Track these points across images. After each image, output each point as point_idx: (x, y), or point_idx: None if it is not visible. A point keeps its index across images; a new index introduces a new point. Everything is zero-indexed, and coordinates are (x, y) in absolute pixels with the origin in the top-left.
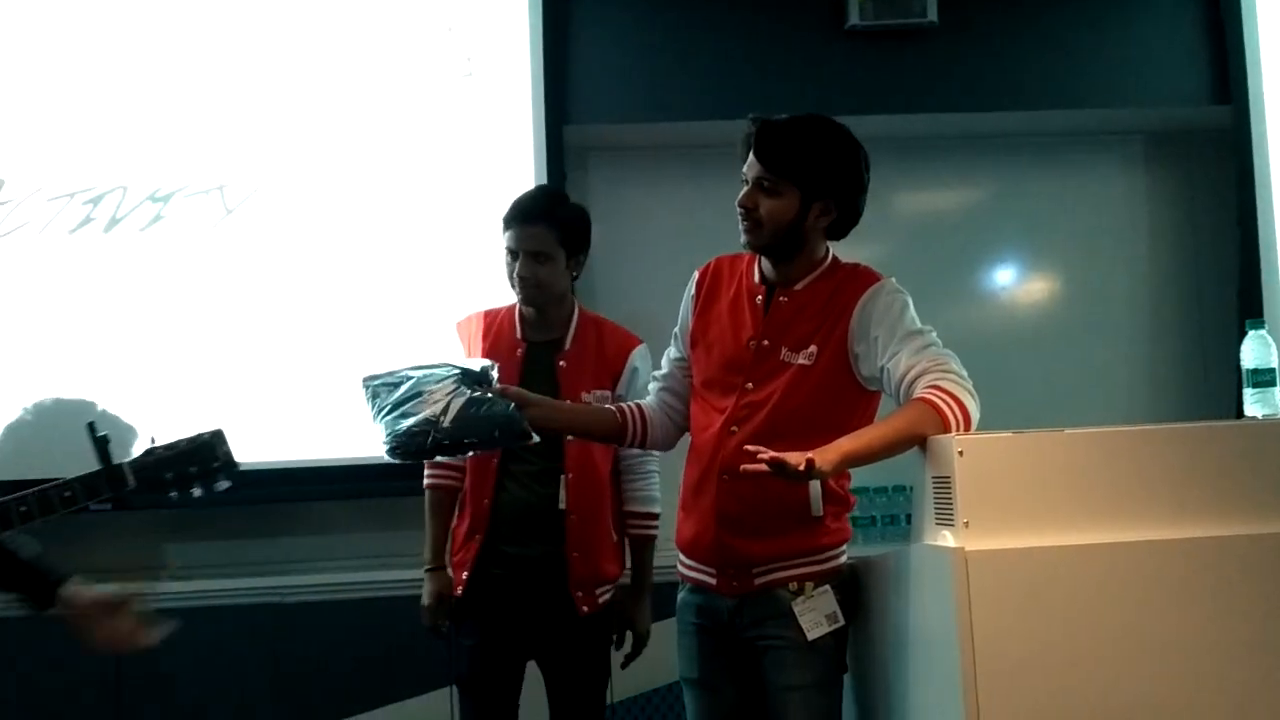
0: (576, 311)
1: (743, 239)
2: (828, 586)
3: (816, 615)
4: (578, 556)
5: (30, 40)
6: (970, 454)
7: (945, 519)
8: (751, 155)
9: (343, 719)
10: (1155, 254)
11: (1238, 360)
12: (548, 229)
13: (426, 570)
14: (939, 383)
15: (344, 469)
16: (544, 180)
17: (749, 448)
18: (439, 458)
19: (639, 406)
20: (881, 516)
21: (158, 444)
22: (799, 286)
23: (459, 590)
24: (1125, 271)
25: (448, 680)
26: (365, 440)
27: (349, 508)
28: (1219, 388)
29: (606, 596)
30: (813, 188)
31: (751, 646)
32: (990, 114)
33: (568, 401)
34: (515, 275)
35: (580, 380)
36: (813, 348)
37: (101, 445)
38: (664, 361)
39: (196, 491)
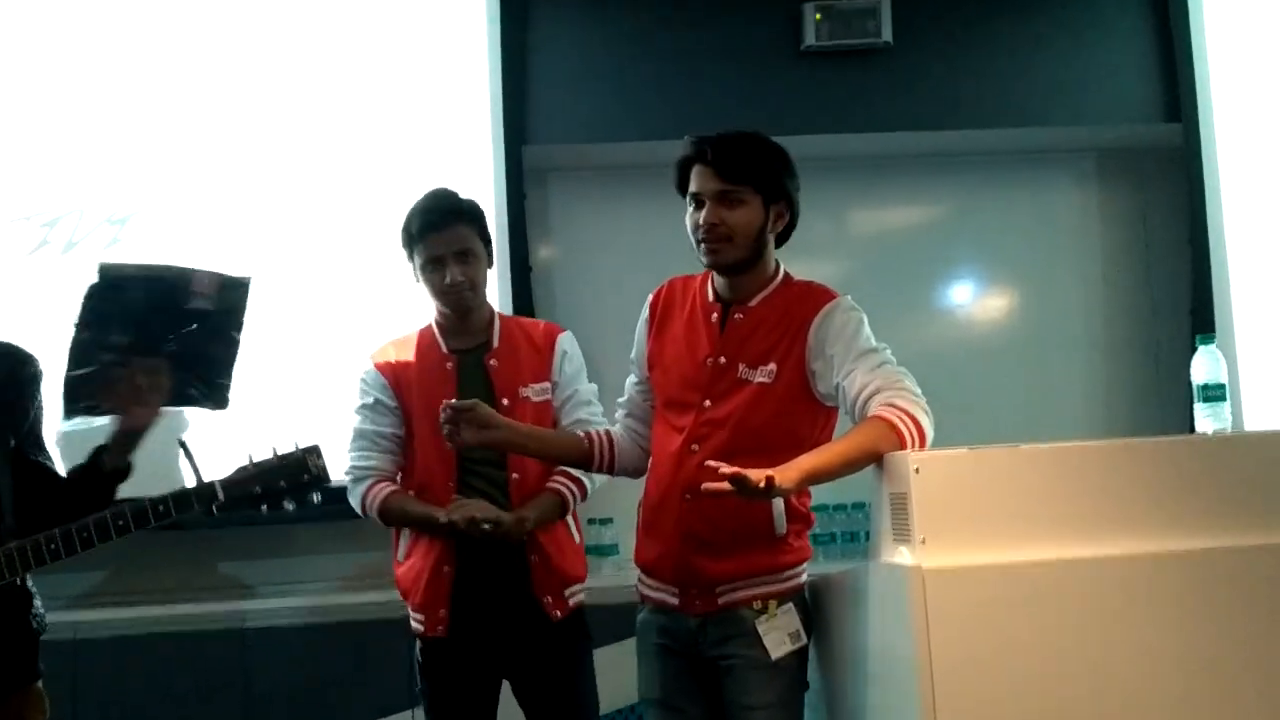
0: (495, 314)
1: (706, 260)
2: (790, 605)
3: (780, 634)
4: (538, 560)
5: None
6: (926, 471)
7: (902, 536)
8: (705, 171)
9: None
10: (1108, 270)
11: (1189, 375)
12: (468, 227)
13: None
14: (894, 400)
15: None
16: (504, 200)
17: (710, 463)
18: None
19: (606, 432)
20: (841, 534)
21: (251, 460)
22: (753, 303)
23: (440, 629)
24: (1079, 288)
25: (410, 703)
26: (328, 462)
27: (312, 530)
28: (1171, 403)
29: (578, 598)
30: (770, 191)
31: (715, 666)
32: (944, 132)
33: (528, 424)
34: (446, 283)
35: (516, 376)
36: (771, 365)
37: (192, 460)
38: (626, 388)
39: (288, 505)
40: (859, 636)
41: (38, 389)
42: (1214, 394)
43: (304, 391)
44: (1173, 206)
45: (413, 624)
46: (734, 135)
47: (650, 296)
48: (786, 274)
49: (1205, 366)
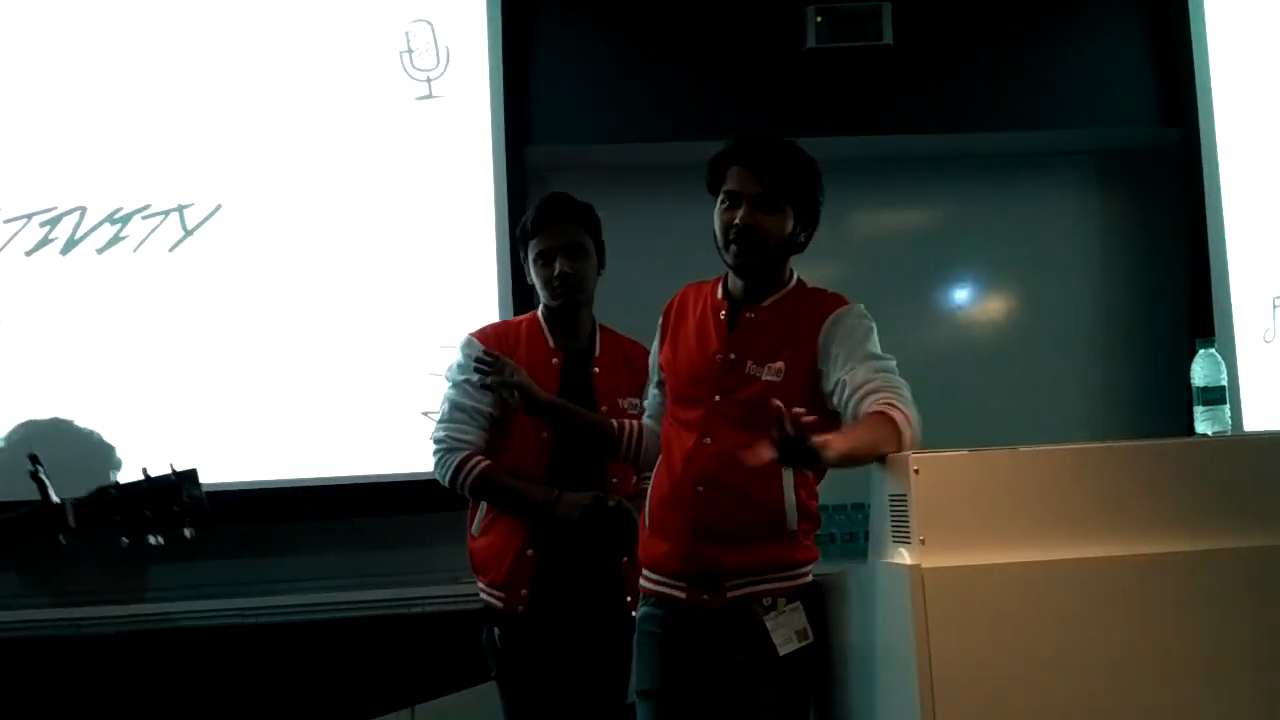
0: (597, 323)
1: (732, 259)
2: (798, 603)
3: (787, 631)
4: (628, 562)
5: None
6: (926, 472)
7: (902, 536)
8: (745, 173)
9: None
10: (1108, 273)
11: (1189, 378)
12: (580, 225)
13: (552, 501)
14: (895, 401)
15: (312, 489)
16: (505, 201)
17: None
18: None
19: (638, 424)
20: (840, 534)
21: (128, 481)
22: (766, 304)
23: (519, 607)
24: (1078, 290)
25: (410, 700)
26: (333, 460)
27: (317, 529)
28: (1170, 405)
29: None
30: (805, 206)
31: (720, 661)
32: (945, 135)
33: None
34: (555, 275)
35: (616, 388)
36: (780, 363)
37: (40, 482)
38: (649, 392)
39: (153, 540)
40: (858, 636)
41: None
42: (1213, 396)
43: (303, 394)
44: (1172, 210)
45: (487, 599)
46: (778, 142)
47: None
48: (800, 280)
49: (1205, 369)
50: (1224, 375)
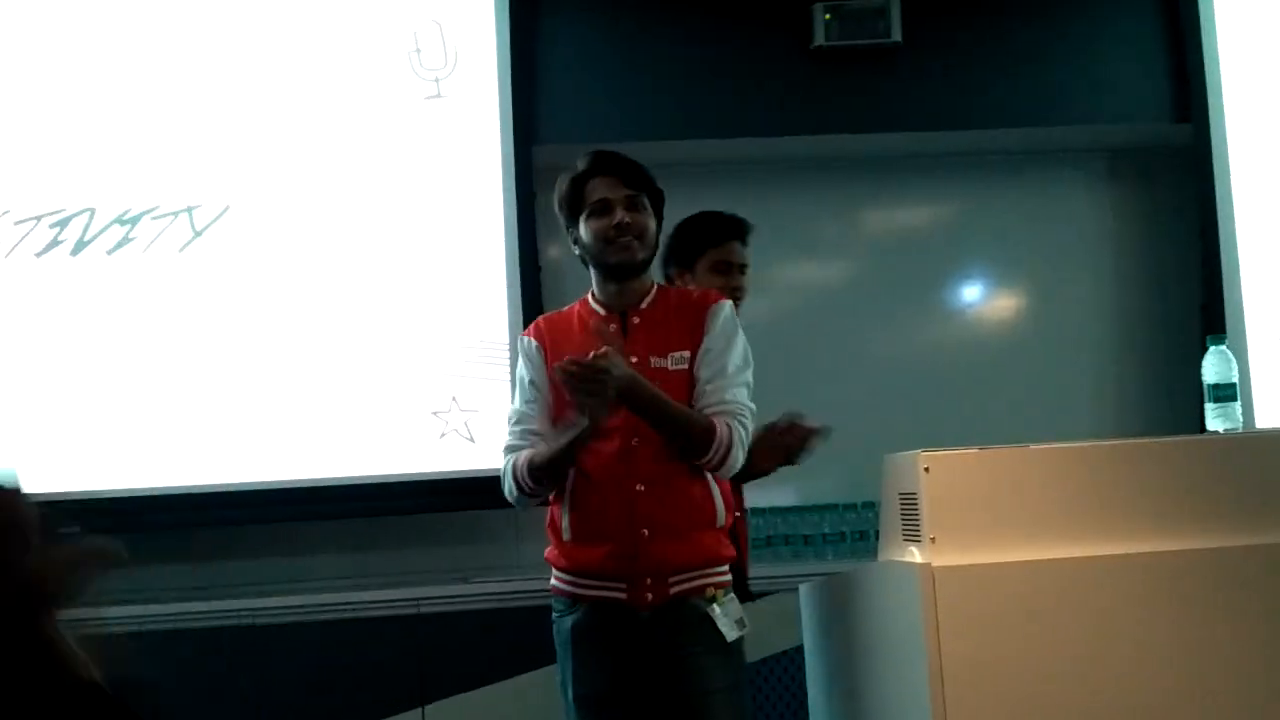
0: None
1: (616, 259)
2: (733, 595)
3: (729, 620)
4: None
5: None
6: (936, 470)
7: (912, 535)
8: (608, 180)
9: None
10: (1119, 270)
11: (1200, 375)
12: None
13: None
14: (731, 423)
15: (319, 489)
16: (513, 200)
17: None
18: None
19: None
20: (850, 532)
21: None
22: (644, 306)
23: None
24: (1089, 287)
25: (420, 700)
26: (341, 460)
27: (325, 529)
28: (1181, 403)
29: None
30: (657, 201)
31: (667, 655)
32: (955, 132)
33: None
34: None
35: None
36: (684, 351)
37: None
38: (516, 415)
39: None
40: (868, 634)
41: None
42: (1225, 394)
43: (312, 394)
44: (1183, 206)
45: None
46: (614, 151)
47: (526, 336)
48: (659, 284)
49: (1216, 366)
50: (1235, 372)
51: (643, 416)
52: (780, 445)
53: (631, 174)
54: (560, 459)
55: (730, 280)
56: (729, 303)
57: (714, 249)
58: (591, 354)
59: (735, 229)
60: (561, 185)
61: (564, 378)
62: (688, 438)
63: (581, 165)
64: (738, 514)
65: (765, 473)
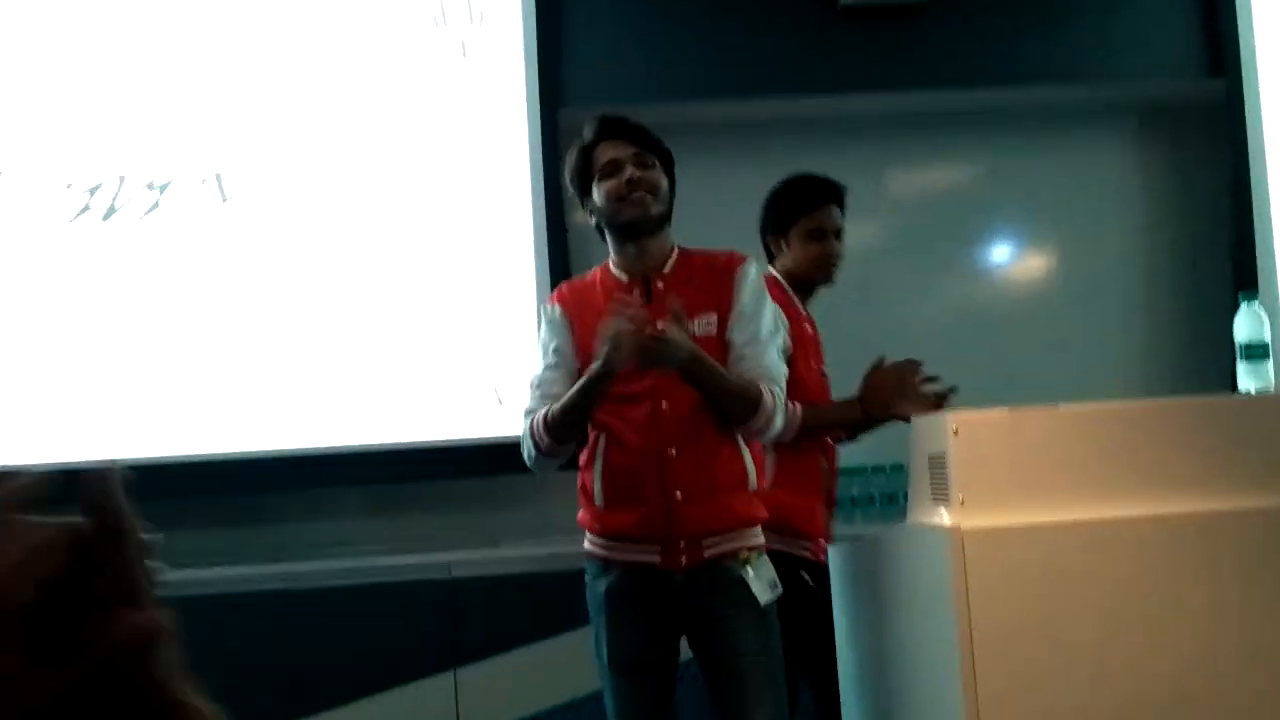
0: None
1: (629, 215)
2: (765, 557)
3: (763, 583)
4: None
5: (27, 30)
6: (965, 432)
7: (941, 497)
8: (615, 143)
9: (346, 702)
10: (1149, 228)
11: (1232, 334)
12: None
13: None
14: (776, 391)
15: (350, 455)
16: (540, 163)
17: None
18: None
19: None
20: (880, 495)
21: None
22: (667, 270)
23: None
24: (1120, 246)
25: (453, 663)
26: (371, 426)
27: (356, 494)
28: (1213, 362)
29: None
30: (666, 161)
31: (700, 618)
32: (982, 90)
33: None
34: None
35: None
36: (711, 315)
37: None
38: (539, 386)
39: None
40: (897, 597)
41: None
42: (1256, 352)
43: (336, 360)
44: (1215, 163)
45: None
46: (619, 115)
47: (550, 303)
48: (681, 246)
49: (1247, 324)
50: (1268, 330)
51: (699, 388)
52: (907, 387)
53: (637, 135)
54: (577, 406)
55: (825, 247)
56: (755, 263)
57: (806, 215)
58: (648, 333)
59: (829, 193)
60: (571, 158)
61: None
62: (739, 403)
63: (588, 134)
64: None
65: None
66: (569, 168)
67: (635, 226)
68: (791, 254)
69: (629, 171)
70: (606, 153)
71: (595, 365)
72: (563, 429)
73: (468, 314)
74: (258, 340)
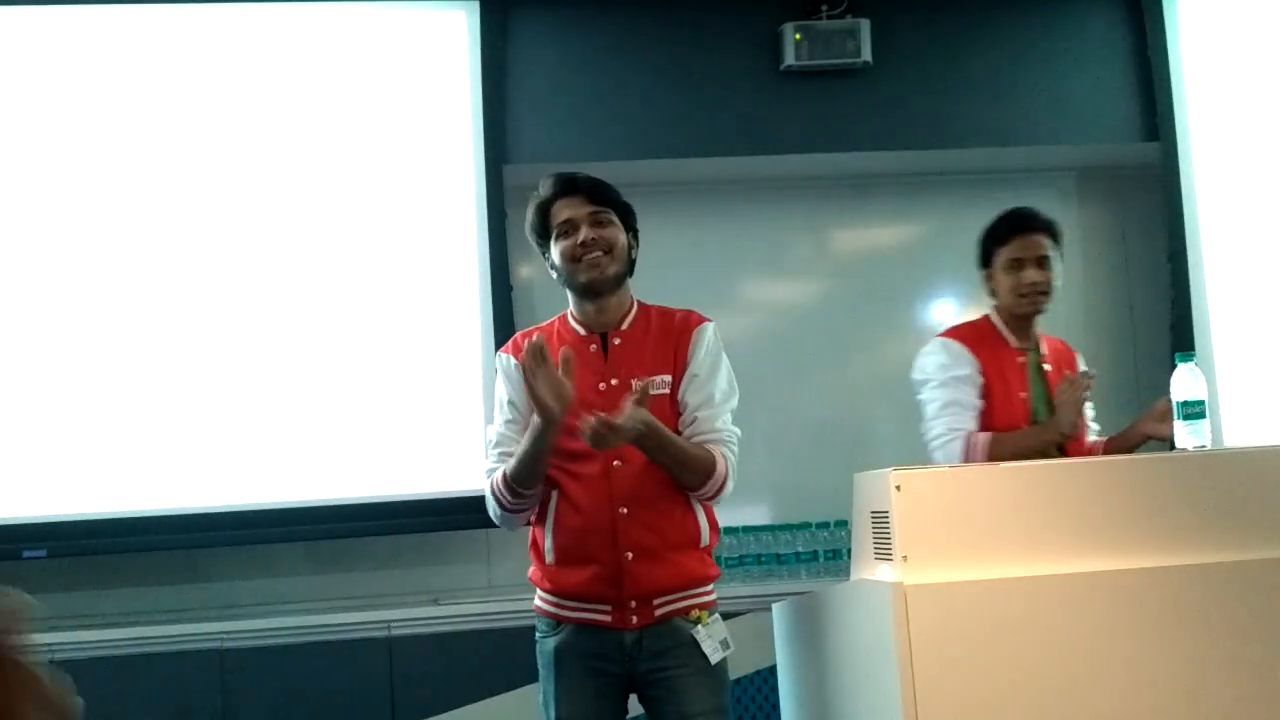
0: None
1: (586, 277)
2: (718, 615)
3: (714, 641)
4: None
5: (28, 46)
6: (907, 488)
7: (884, 553)
8: (572, 200)
9: None
10: (1088, 288)
11: (1169, 393)
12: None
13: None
14: (728, 455)
15: (291, 511)
16: (485, 219)
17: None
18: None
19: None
20: (823, 551)
21: None
22: (625, 327)
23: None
24: (1059, 305)
25: None
26: (312, 482)
27: (297, 550)
28: None
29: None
30: (626, 216)
31: (649, 678)
32: (925, 152)
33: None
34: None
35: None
36: (666, 376)
37: None
38: (499, 445)
39: None
40: (841, 653)
41: None
42: (1194, 411)
43: (285, 415)
44: (1152, 224)
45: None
46: (577, 173)
47: (506, 352)
48: (640, 302)
49: (1185, 383)
50: (1204, 389)
51: (652, 456)
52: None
53: (594, 191)
54: (528, 454)
55: (1023, 277)
56: (711, 325)
57: (1001, 247)
58: (599, 418)
59: (1018, 223)
60: (530, 214)
61: (583, 434)
62: (692, 472)
63: (545, 191)
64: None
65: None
66: (528, 223)
67: (591, 287)
68: (998, 288)
69: (584, 233)
70: (563, 211)
71: (536, 420)
72: (519, 481)
73: (411, 369)
74: (198, 396)
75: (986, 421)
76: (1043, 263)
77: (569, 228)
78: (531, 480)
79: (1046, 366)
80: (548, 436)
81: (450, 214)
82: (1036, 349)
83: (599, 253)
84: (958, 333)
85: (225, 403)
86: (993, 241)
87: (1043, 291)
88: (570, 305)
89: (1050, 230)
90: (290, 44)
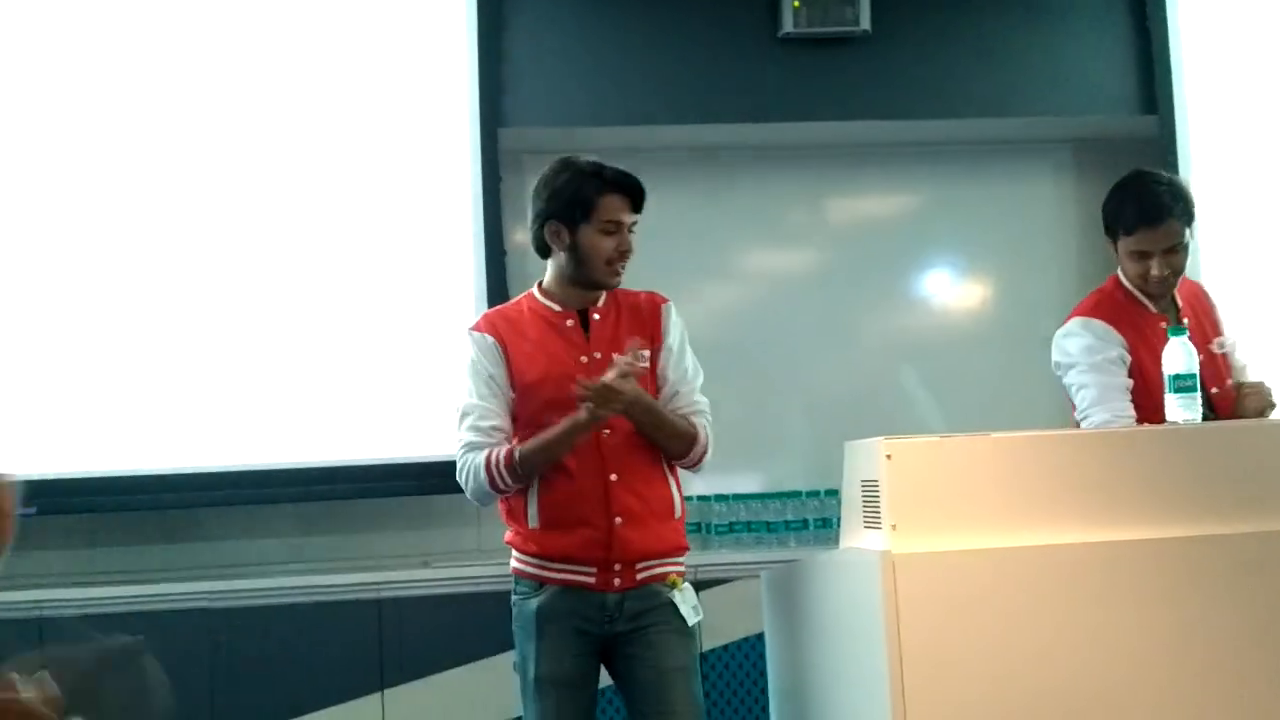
0: None
1: (610, 281)
2: (688, 583)
3: (688, 606)
4: None
5: (29, 40)
6: (898, 458)
7: (873, 522)
8: (624, 202)
9: None
10: (1084, 259)
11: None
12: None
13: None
14: (706, 426)
15: (281, 473)
16: (479, 184)
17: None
18: None
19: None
20: (813, 520)
21: None
22: (601, 305)
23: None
24: (1055, 277)
25: (380, 685)
26: (302, 444)
27: (287, 512)
28: None
29: None
30: None
31: (627, 637)
32: (922, 121)
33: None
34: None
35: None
36: (644, 351)
37: None
38: (475, 411)
39: None
40: (829, 621)
41: None
42: (1186, 384)
43: (279, 380)
44: None
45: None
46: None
47: (480, 332)
48: None
49: (1177, 357)
50: (1196, 363)
51: (640, 425)
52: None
53: (641, 200)
54: (556, 448)
55: (1149, 271)
56: (672, 303)
57: (1125, 234)
58: (607, 376)
59: (1145, 216)
60: (567, 179)
61: (582, 392)
62: (680, 440)
63: (606, 174)
64: None
65: None
66: (554, 183)
67: (601, 287)
68: (1123, 265)
69: (626, 242)
70: (617, 211)
71: (581, 415)
72: (529, 473)
73: (404, 333)
74: (189, 357)
75: (1139, 397)
76: (1172, 251)
77: (616, 228)
78: (535, 474)
79: (1185, 321)
80: (588, 434)
81: (444, 178)
82: (1174, 304)
83: (623, 264)
84: (1098, 310)
85: (217, 364)
86: (1116, 223)
87: (1171, 280)
88: (547, 281)
89: (1183, 213)
90: (282, 6)
